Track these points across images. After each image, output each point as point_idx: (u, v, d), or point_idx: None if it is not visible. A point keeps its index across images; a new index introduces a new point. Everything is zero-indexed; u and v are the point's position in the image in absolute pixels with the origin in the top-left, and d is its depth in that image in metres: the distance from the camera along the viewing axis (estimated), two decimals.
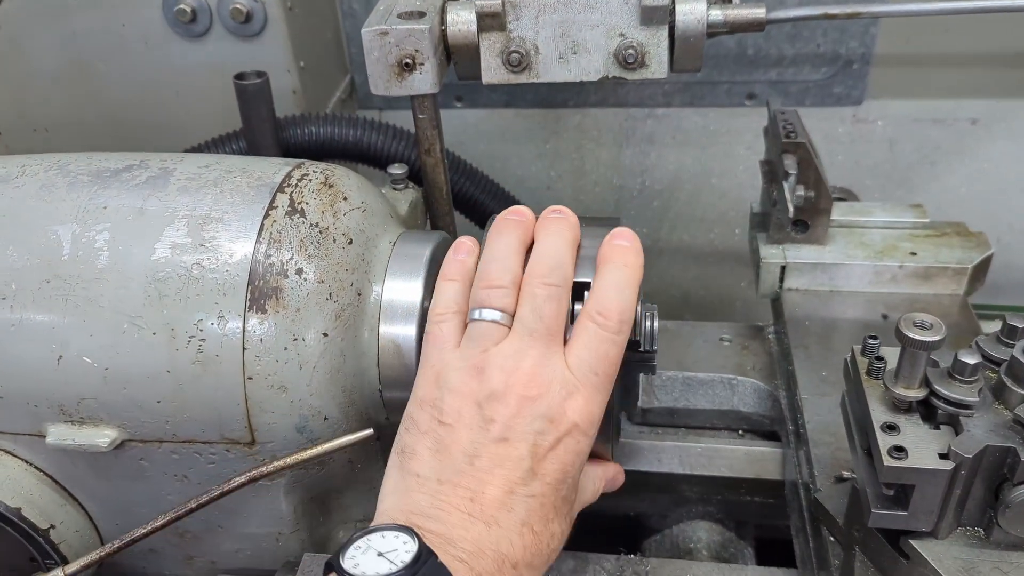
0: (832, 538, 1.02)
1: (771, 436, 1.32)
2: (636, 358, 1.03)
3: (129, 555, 1.12)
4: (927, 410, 0.87)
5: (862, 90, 1.85)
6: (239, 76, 1.47)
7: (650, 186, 2.00)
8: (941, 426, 0.86)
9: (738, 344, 1.40)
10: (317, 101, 1.82)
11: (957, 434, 0.84)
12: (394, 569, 0.72)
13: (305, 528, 1.06)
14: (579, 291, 0.95)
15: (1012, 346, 0.87)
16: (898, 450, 0.83)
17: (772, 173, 1.39)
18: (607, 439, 0.99)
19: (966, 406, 0.84)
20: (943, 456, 0.82)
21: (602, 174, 2.01)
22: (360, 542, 0.76)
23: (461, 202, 1.62)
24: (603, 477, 0.99)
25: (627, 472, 1.30)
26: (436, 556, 0.74)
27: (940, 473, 0.82)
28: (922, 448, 0.83)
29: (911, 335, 0.83)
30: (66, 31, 1.76)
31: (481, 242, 0.98)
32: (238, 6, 1.62)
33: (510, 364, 0.84)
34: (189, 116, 1.78)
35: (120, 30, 1.75)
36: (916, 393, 0.86)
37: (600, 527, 1.41)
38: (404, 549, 0.74)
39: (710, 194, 1.98)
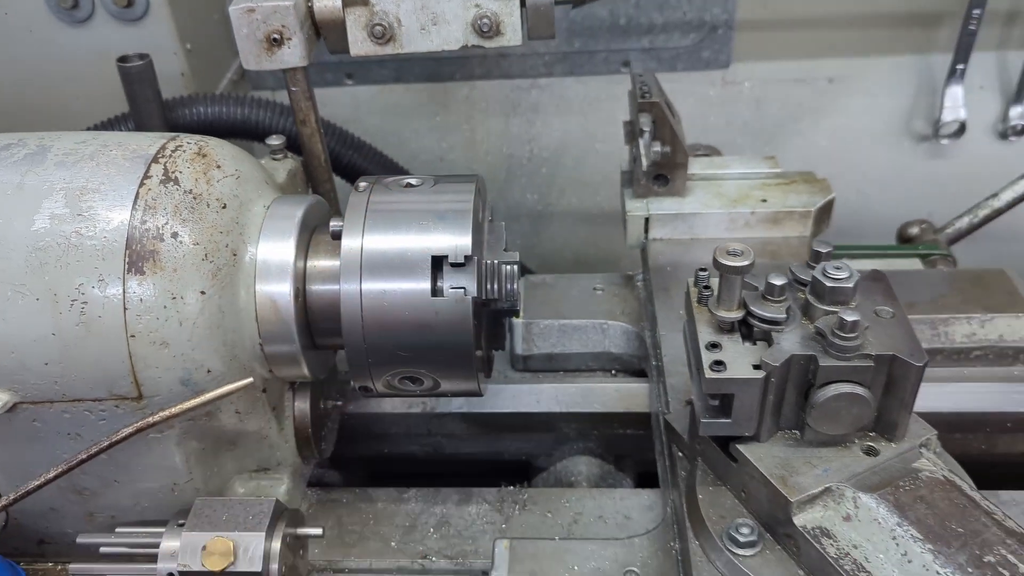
0: (680, 453, 1.13)
1: (640, 374, 1.43)
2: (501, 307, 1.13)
3: (32, 516, 1.17)
4: (747, 329, 0.99)
5: (728, 54, 1.97)
6: (122, 59, 1.51)
7: (538, 153, 2.10)
8: (757, 342, 0.97)
9: (610, 292, 1.51)
10: (207, 83, 1.86)
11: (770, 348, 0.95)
12: None
13: (200, 478, 1.13)
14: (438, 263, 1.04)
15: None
16: (718, 364, 0.94)
17: (633, 133, 1.49)
18: (472, 374, 1.08)
19: (776, 323, 0.96)
20: (756, 367, 0.94)
21: (492, 144, 2.10)
22: None
23: (350, 173, 1.70)
24: None
25: (511, 414, 1.40)
26: None
27: (754, 382, 0.94)
28: (739, 361, 0.95)
29: (724, 262, 0.94)
30: None
31: (343, 203, 1.06)
32: None
33: None
34: (78, 102, 1.80)
35: (3, 19, 1.77)
36: (735, 314, 0.97)
37: (494, 472, 1.51)
38: None
39: (595, 158, 2.09)
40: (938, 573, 0.85)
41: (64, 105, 1.82)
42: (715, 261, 0.95)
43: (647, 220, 1.47)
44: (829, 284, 0.95)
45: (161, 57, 1.59)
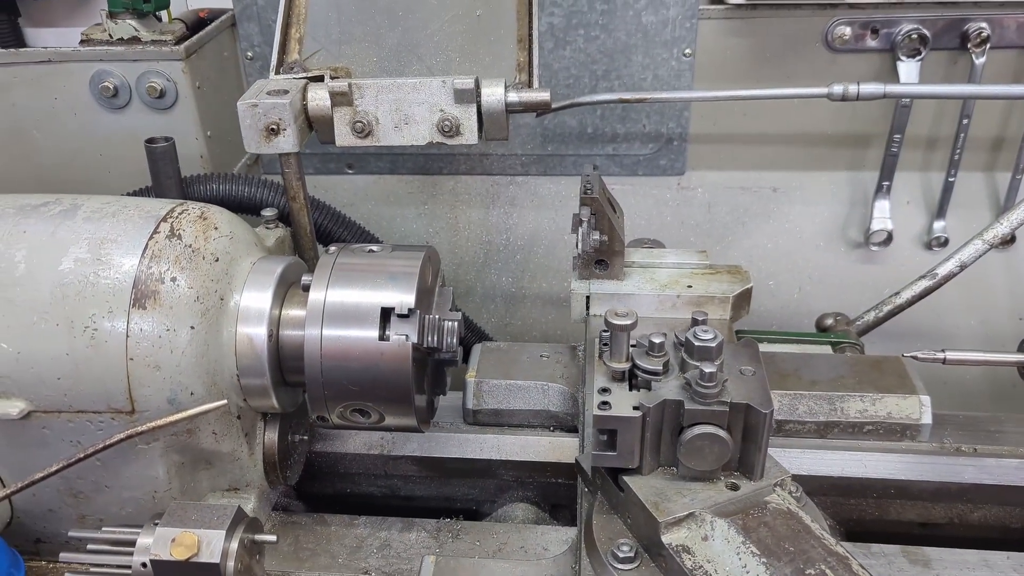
0: (587, 489, 1.32)
1: (576, 430, 1.63)
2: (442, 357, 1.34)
3: (33, 516, 1.37)
4: (635, 379, 1.19)
5: (683, 162, 2.23)
6: (149, 140, 1.78)
7: (513, 242, 2.34)
8: (641, 389, 1.18)
9: (554, 359, 1.72)
10: (224, 165, 2.14)
11: None
12: None
13: (177, 489, 1.33)
14: (387, 314, 1.26)
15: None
16: (605, 404, 1.15)
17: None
18: (411, 410, 1.29)
19: (655, 373, 1.16)
20: (636, 408, 1.14)
21: (473, 231, 2.35)
22: None
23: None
24: None
25: (457, 459, 1.60)
26: None
27: (634, 420, 1.13)
28: (623, 403, 1.15)
29: (613, 321, 1.16)
30: (6, 103, 2.07)
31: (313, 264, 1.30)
32: (153, 84, 1.95)
33: None
34: (110, 175, 2.08)
35: (53, 103, 2.06)
36: (623, 365, 1.18)
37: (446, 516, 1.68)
38: None
39: (564, 248, 2.33)
40: None
41: (98, 178, 2.09)
42: (606, 321, 1.17)
43: (588, 298, 1.69)
44: (697, 344, 1.15)
45: (185, 141, 1.86)
